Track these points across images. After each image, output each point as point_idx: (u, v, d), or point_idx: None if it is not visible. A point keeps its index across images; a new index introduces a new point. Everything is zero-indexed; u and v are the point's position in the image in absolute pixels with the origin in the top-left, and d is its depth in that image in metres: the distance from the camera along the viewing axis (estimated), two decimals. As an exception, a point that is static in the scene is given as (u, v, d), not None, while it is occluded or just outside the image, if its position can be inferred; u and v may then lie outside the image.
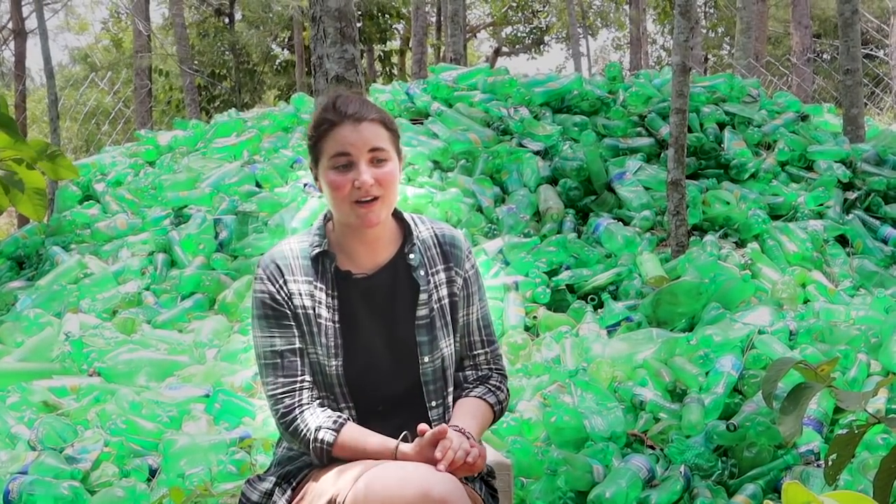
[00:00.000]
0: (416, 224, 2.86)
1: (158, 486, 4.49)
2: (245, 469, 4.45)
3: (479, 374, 2.88)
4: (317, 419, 2.63)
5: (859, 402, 2.25)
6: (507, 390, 2.92)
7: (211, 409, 5.24)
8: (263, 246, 7.47)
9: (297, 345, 2.70)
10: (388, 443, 2.58)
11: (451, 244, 2.85)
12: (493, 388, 2.85)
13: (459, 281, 2.83)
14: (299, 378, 2.68)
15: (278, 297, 2.70)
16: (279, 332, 2.70)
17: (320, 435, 2.60)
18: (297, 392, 2.67)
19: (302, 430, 2.63)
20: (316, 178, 2.77)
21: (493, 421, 2.86)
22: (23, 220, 14.54)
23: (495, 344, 2.94)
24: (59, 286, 7.29)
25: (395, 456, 2.54)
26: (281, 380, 2.68)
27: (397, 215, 2.85)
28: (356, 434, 2.62)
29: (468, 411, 2.76)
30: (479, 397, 2.82)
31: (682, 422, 4.97)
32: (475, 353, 2.89)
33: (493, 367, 2.91)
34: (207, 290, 7.15)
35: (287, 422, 2.66)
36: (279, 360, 2.68)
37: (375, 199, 2.66)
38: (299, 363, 2.69)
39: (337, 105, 2.71)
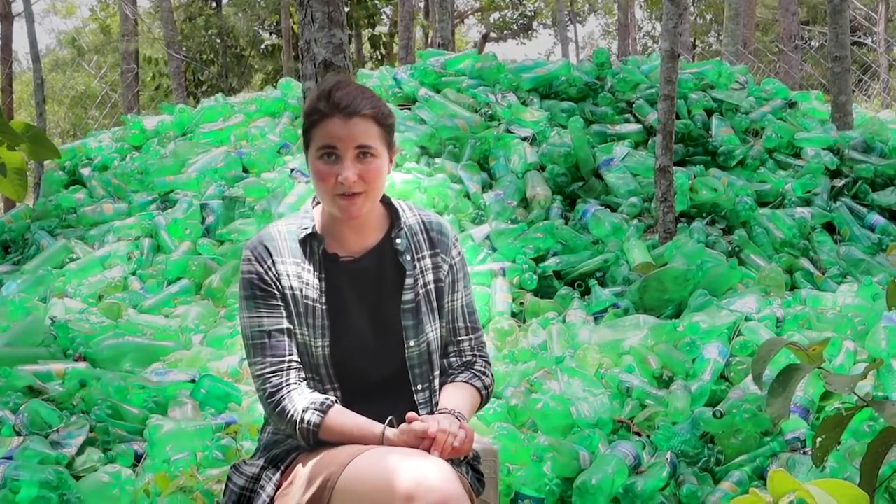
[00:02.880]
0: (403, 210, 2.87)
1: (144, 471, 4.48)
2: (231, 455, 4.44)
3: (464, 359, 2.88)
4: (304, 400, 2.62)
5: (848, 385, 2.25)
6: (492, 376, 2.93)
7: (197, 394, 5.23)
8: (250, 231, 7.45)
9: (285, 325, 2.70)
10: (374, 427, 2.58)
11: (439, 231, 2.87)
12: (478, 373, 2.87)
13: (445, 267, 2.85)
14: (287, 358, 2.68)
15: (266, 277, 2.70)
16: (267, 311, 2.70)
17: (307, 416, 2.59)
18: (285, 372, 2.66)
19: (289, 411, 2.62)
20: (308, 165, 2.76)
21: (481, 405, 2.89)
22: (8, 205, 14.50)
23: (479, 331, 2.95)
24: (44, 271, 7.27)
25: (380, 441, 2.54)
26: (269, 359, 2.67)
27: (385, 200, 2.86)
28: (343, 417, 2.61)
29: (457, 395, 2.78)
30: (466, 381, 2.84)
31: (668, 408, 4.98)
32: (459, 339, 2.89)
33: (478, 353, 2.92)
34: (194, 275, 7.14)
35: (274, 402, 2.65)
36: (267, 340, 2.68)
37: (357, 194, 2.66)
38: (287, 343, 2.69)
39: (332, 95, 2.68)
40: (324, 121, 2.67)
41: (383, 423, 2.59)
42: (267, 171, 8.50)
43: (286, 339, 2.69)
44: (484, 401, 2.89)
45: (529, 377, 5.32)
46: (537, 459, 4.49)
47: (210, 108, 10.36)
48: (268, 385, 2.66)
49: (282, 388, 2.65)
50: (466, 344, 2.90)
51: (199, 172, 8.64)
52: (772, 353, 2.29)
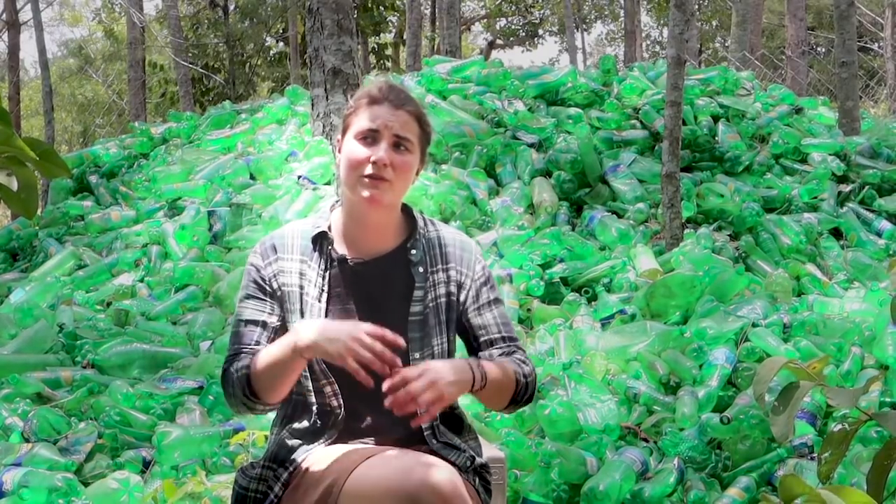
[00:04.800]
0: (425, 223, 2.87)
1: (152, 477, 4.50)
2: (239, 461, 4.46)
3: (502, 350, 2.79)
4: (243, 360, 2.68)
5: (851, 400, 2.25)
6: (534, 370, 2.81)
7: (205, 401, 5.25)
8: (257, 238, 7.42)
9: (262, 318, 2.74)
10: (287, 338, 2.59)
11: (461, 248, 2.85)
12: (517, 360, 2.76)
13: (467, 282, 2.81)
14: (251, 347, 2.71)
15: (263, 273, 2.76)
16: (252, 304, 2.76)
17: (241, 362, 2.64)
18: (244, 355, 2.70)
19: (230, 371, 2.67)
20: (340, 150, 2.81)
21: (517, 391, 2.74)
22: (16, 212, 14.53)
23: (517, 340, 2.86)
24: (52, 278, 7.29)
25: (293, 348, 2.53)
26: (235, 346, 2.73)
27: (407, 211, 2.87)
28: (264, 350, 2.65)
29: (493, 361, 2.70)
30: (503, 360, 2.74)
31: (675, 414, 4.98)
32: (497, 347, 2.81)
33: (517, 353, 2.81)
34: (201, 281, 7.15)
35: (223, 370, 2.72)
36: (241, 329, 2.74)
37: (385, 180, 2.68)
38: (257, 334, 2.73)
39: (383, 87, 2.77)
40: (372, 105, 2.74)
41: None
42: (274, 178, 8.51)
43: (258, 330, 2.73)
44: (522, 388, 2.74)
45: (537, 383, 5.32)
46: (545, 465, 4.50)
47: (217, 116, 10.39)
48: (226, 362, 2.72)
49: (233, 362, 2.70)
50: (505, 349, 2.80)
51: (207, 179, 8.66)
52: (772, 373, 2.30)
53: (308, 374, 2.71)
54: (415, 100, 2.80)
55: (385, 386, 2.44)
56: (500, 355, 2.78)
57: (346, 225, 2.80)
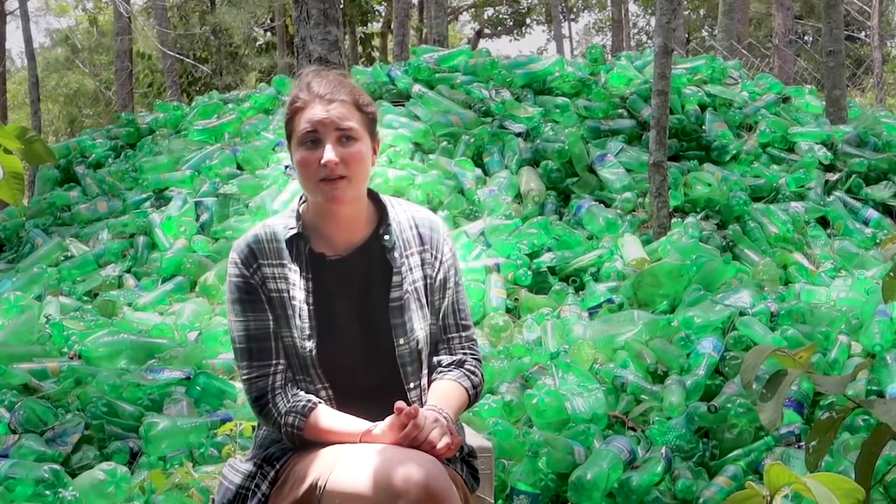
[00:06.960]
0: (392, 206, 2.85)
1: (139, 468, 4.49)
2: (227, 452, 4.45)
3: (454, 358, 2.84)
4: (287, 403, 2.63)
5: (838, 387, 2.25)
6: (482, 375, 2.89)
7: (192, 391, 5.23)
8: (244, 228, 7.43)
9: (272, 328, 2.69)
10: (357, 425, 2.58)
11: (429, 227, 2.84)
12: (467, 373, 2.82)
13: (436, 264, 2.81)
14: (273, 362, 2.68)
15: (252, 281, 2.70)
16: (253, 315, 2.69)
17: (289, 419, 2.61)
18: (271, 376, 2.67)
19: (273, 414, 2.64)
20: (292, 157, 2.77)
21: (469, 405, 2.83)
22: (3, 203, 14.47)
23: (470, 329, 2.91)
24: (39, 269, 7.27)
25: (359, 439, 2.54)
26: (255, 364, 2.68)
27: (373, 197, 2.84)
28: (326, 417, 2.62)
29: (444, 394, 2.73)
30: (455, 381, 2.79)
31: (663, 403, 4.99)
32: (450, 336, 2.85)
33: (468, 352, 2.87)
34: (188, 272, 7.13)
35: (260, 405, 2.67)
36: (253, 345, 2.68)
37: (341, 177, 2.65)
38: (273, 347, 2.68)
39: (311, 85, 2.73)
40: (305, 108, 2.70)
41: (371, 423, 2.60)
42: (261, 167, 8.50)
43: (272, 343, 2.69)
44: (472, 400, 2.83)
45: (524, 373, 5.32)
46: (532, 455, 4.49)
47: (204, 106, 10.34)
48: (254, 389, 2.68)
49: (267, 392, 2.66)
50: (456, 342, 2.86)
51: (194, 170, 8.65)
52: (760, 360, 2.30)
53: (304, 377, 2.70)
54: (346, 85, 2.76)
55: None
56: (450, 363, 2.83)
57: (318, 222, 2.77)
